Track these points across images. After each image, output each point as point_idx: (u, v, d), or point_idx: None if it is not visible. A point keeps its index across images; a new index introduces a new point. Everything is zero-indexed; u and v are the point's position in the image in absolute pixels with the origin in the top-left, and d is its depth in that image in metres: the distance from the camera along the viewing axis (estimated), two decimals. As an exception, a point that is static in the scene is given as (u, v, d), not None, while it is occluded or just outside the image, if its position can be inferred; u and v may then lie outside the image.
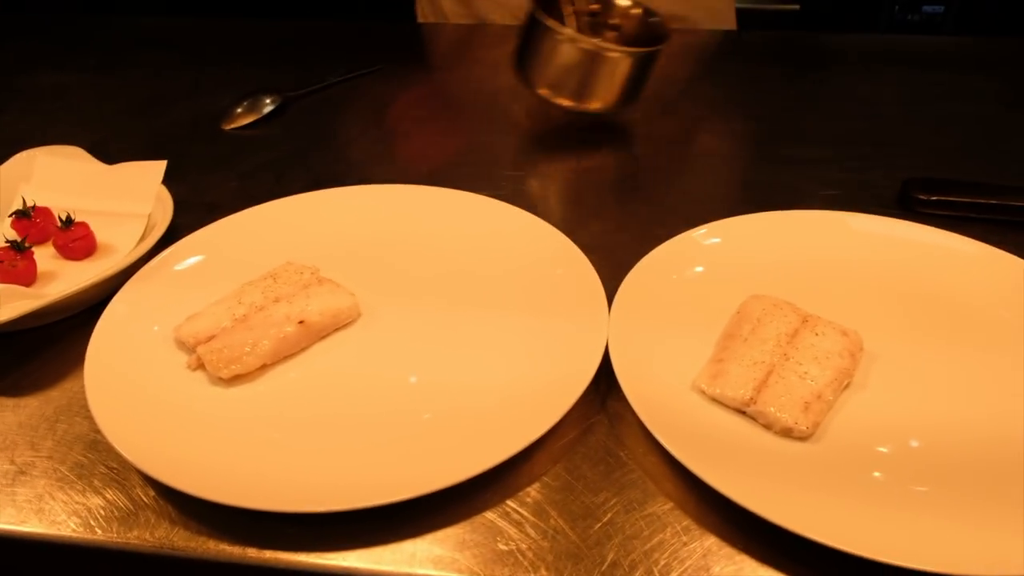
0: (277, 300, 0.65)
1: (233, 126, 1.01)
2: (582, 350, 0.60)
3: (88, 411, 0.56)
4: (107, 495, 0.53)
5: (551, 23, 0.86)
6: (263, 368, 0.61)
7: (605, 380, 0.59)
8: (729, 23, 1.31)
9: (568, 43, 0.87)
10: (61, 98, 1.12)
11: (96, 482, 0.54)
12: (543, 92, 0.92)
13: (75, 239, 0.73)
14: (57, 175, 0.80)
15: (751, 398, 0.57)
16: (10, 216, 0.75)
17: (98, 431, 0.56)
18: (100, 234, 0.75)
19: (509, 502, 0.52)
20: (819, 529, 0.47)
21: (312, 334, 0.63)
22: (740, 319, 0.64)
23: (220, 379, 0.60)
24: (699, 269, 0.71)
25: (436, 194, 0.80)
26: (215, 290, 0.67)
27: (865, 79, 1.11)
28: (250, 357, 0.60)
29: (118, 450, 0.52)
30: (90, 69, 1.22)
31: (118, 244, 0.75)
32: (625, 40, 0.97)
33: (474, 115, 1.05)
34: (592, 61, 0.88)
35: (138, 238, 0.75)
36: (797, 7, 2.21)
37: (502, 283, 0.70)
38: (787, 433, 0.55)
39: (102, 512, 0.52)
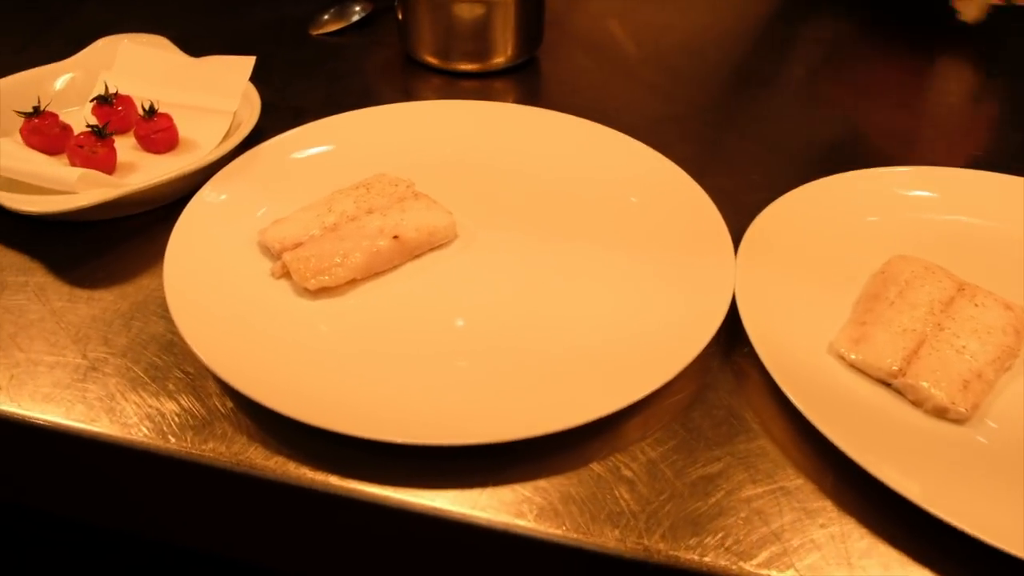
0: (370, 211, 0.59)
1: (320, 32, 0.94)
2: (705, 296, 0.54)
3: (165, 311, 0.52)
4: (182, 401, 0.49)
5: None
6: (352, 283, 0.56)
7: (727, 332, 0.52)
8: None
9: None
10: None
11: (171, 386, 0.50)
12: (432, 61, 0.86)
13: (157, 130, 0.68)
14: (140, 64, 0.76)
15: (900, 369, 0.50)
16: (91, 101, 0.71)
17: (175, 332, 0.52)
18: (183, 128, 0.70)
19: (619, 456, 0.46)
20: (986, 527, 0.40)
21: (406, 251, 0.58)
22: (885, 279, 0.57)
23: (306, 290, 0.55)
24: (834, 220, 0.63)
25: (540, 115, 0.73)
26: (302, 195, 0.62)
27: None
28: (340, 269, 0.55)
29: (197, 354, 0.47)
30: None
31: (201, 140, 0.70)
32: None
33: (580, 45, 0.97)
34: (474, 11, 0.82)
35: (222, 135, 0.70)
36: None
37: (614, 216, 0.63)
38: (941, 413, 0.48)
39: (176, 419, 0.48)
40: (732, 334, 0.53)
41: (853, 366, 0.52)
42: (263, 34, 0.95)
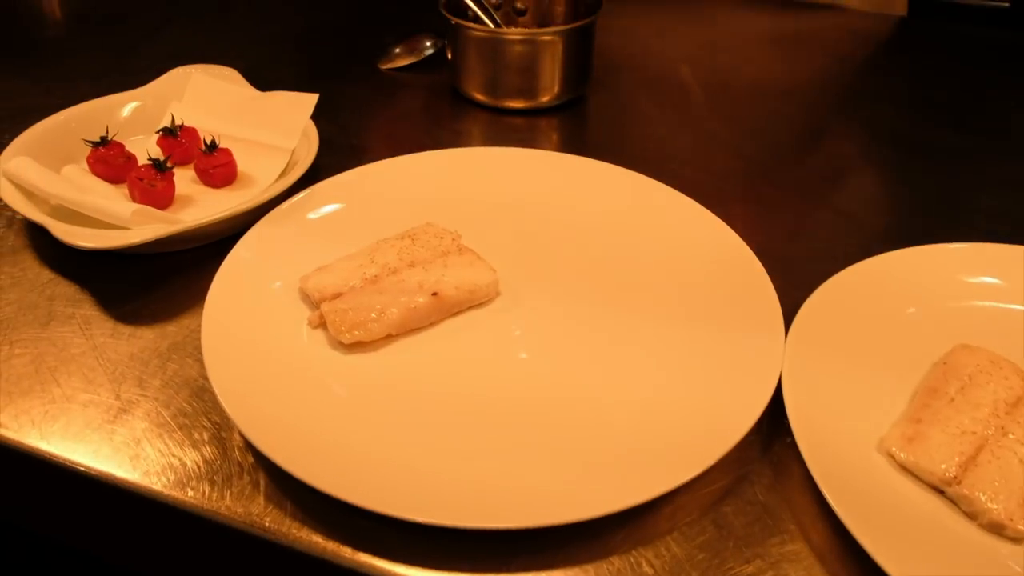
0: (412, 265, 0.59)
1: (389, 66, 0.95)
2: (750, 379, 0.51)
3: (201, 354, 0.52)
4: (205, 452, 0.49)
5: (465, 23, 0.82)
6: (387, 338, 0.55)
7: (770, 416, 0.50)
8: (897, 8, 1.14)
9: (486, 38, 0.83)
10: (224, 17, 1.10)
11: (196, 435, 0.50)
12: (481, 98, 0.86)
13: (216, 165, 0.69)
14: (208, 96, 0.77)
15: (955, 476, 0.46)
16: (157, 132, 0.73)
17: (207, 378, 0.52)
18: (241, 163, 0.71)
19: (642, 550, 0.44)
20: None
21: (445, 308, 0.57)
22: (946, 372, 0.53)
23: (340, 343, 0.54)
24: (894, 300, 0.60)
25: (597, 168, 0.72)
26: (348, 241, 0.62)
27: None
28: (375, 324, 0.54)
29: (224, 408, 0.47)
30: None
31: (258, 176, 0.71)
32: (563, 20, 0.91)
33: (637, 82, 0.95)
34: (522, 50, 0.81)
35: (279, 172, 0.71)
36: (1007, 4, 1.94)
37: (661, 281, 0.61)
38: (998, 530, 0.44)
39: (197, 469, 0.48)
40: (775, 419, 0.50)
41: (904, 467, 0.48)
42: (332, 67, 0.97)
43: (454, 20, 0.82)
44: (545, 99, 0.85)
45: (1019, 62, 1.02)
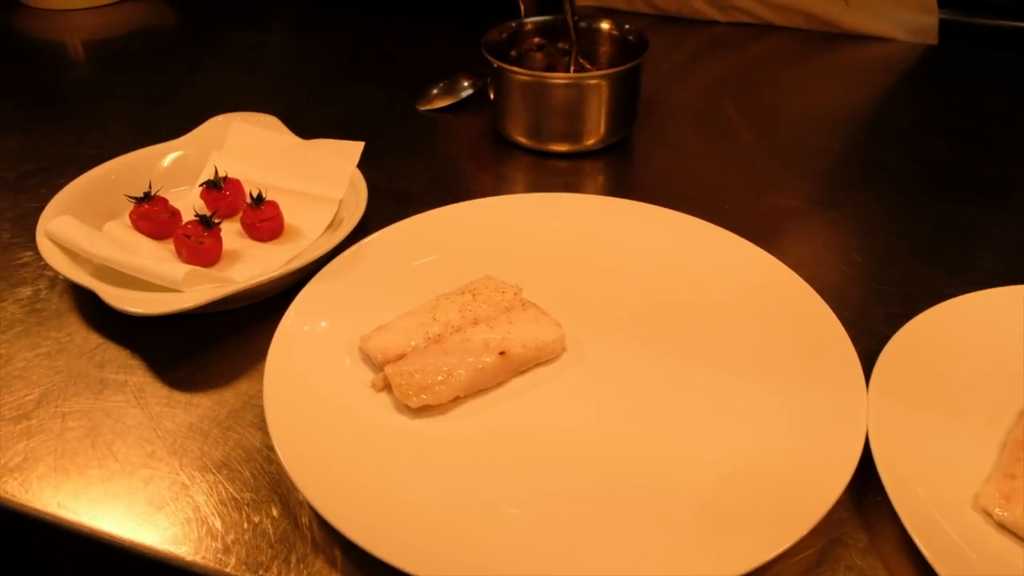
0: (476, 322, 0.57)
1: (429, 107, 0.94)
2: (836, 435, 0.49)
3: (261, 421, 0.51)
4: (276, 529, 0.46)
5: (506, 66, 0.81)
6: (454, 401, 0.53)
7: (856, 471, 0.47)
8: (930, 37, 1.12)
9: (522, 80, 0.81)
10: (257, 59, 1.09)
11: (264, 510, 0.47)
12: (524, 141, 0.84)
13: (264, 219, 0.67)
14: (250, 145, 0.75)
15: (1061, 538, 0.44)
16: (200, 186, 0.71)
17: (270, 447, 0.50)
18: (288, 215, 0.69)
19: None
20: None
21: (512, 368, 0.55)
22: (1036, 425, 0.51)
23: (406, 406, 0.52)
24: (972, 347, 0.57)
25: (651, 212, 0.70)
26: (405, 296, 0.60)
27: None
28: (443, 388, 0.52)
29: (299, 489, 0.45)
30: (284, 30, 1.19)
31: (305, 228, 0.69)
32: (607, 62, 0.89)
33: (689, 123, 0.94)
34: (558, 94, 0.80)
35: (327, 223, 0.69)
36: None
37: (728, 331, 0.59)
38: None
39: (270, 549, 0.45)
40: (859, 474, 0.47)
41: (1002, 525, 0.46)
42: (372, 109, 0.95)
43: (496, 63, 0.81)
44: (590, 142, 0.83)
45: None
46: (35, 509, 0.48)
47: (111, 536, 0.46)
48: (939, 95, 0.99)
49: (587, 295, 0.63)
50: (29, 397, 0.55)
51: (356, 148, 0.72)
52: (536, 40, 0.89)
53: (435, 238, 0.67)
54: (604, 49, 0.89)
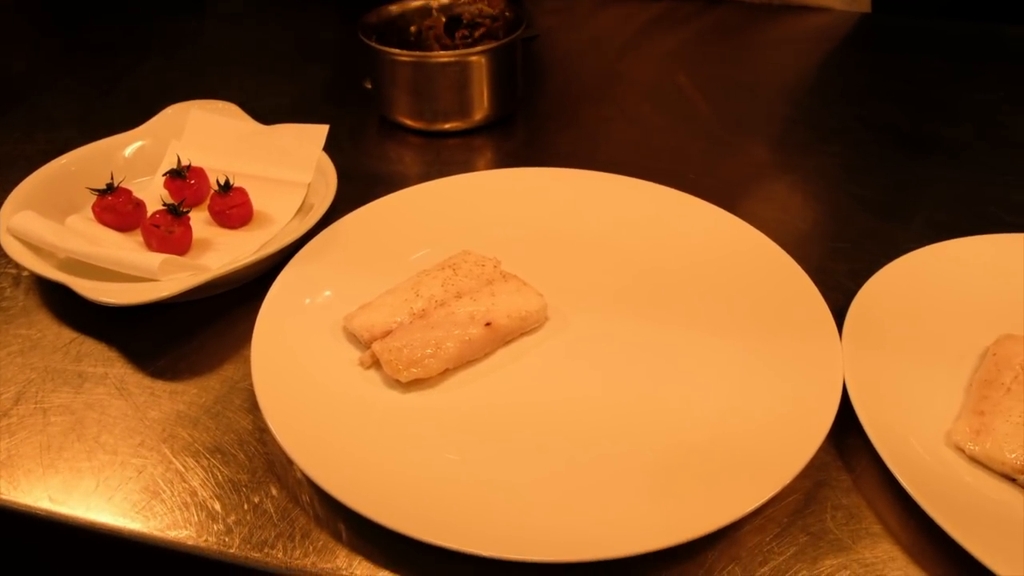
0: (459, 296, 0.57)
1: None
2: (815, 384, 0.51)
3: (250, 404, 0.51)
4: (277, 507, 0.46)
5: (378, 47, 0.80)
6: (444, 373, 0.54)
7: (835, 422, 0.49)
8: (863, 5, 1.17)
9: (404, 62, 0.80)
10: (204, 48, 1.07)
11: (264, 491, 0.47)
12: (411, 123, 0.85)
13: (233, 206, 0.66)
14: (211, 132, 0.74)
15: (1024, 465, 0.47)
16: (164, 175, 0.70)
17: (263, 428, 0.50)
18: (256, 201, 0.69)
19: (736, 567, 0.43)
20: None
21: (498, 338, 0.56)
22: (997, 364, 0.54)
23: (397, 381, 0.52)
24: (933, 295, 0.60)
25: (616, 182, 0.71)
26: (384, 274, 0.60)
27: None
28: (433, 360, 0.53)
29: (297, 464, 0.45)
30: (228, 17, 1.17)
31: (275, 213, 0.69)
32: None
33: (646, 96, 0.95)
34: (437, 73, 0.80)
35: (296, 207, 0.69)
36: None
37: (703, 291, 0.61)
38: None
39: (274, 528, 0.45)
40: (839, 421, 0.49)
41: (974, 459, 0.49)
42: (327, 91, 0.94)
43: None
44: (477, 118, 0.84)
45: (983, 51, 1.05)
46: (25, 506, 0.47)
47: (109, 527, 0.46)
48: (879, 60, 1.03)
49: (564, 265, 0.64)
50: (5, 395, 0.54)
51: (321, 131, 0.71)
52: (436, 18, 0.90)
53: (408, 218, 0.67)
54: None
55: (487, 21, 0.87)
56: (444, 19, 0.88)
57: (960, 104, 0.91)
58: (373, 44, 0.80)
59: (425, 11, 0.89)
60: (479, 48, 0.80)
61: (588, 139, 0.85)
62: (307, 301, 0.58)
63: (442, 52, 0.81)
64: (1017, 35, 1.09)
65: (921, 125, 0.87)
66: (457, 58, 0.79)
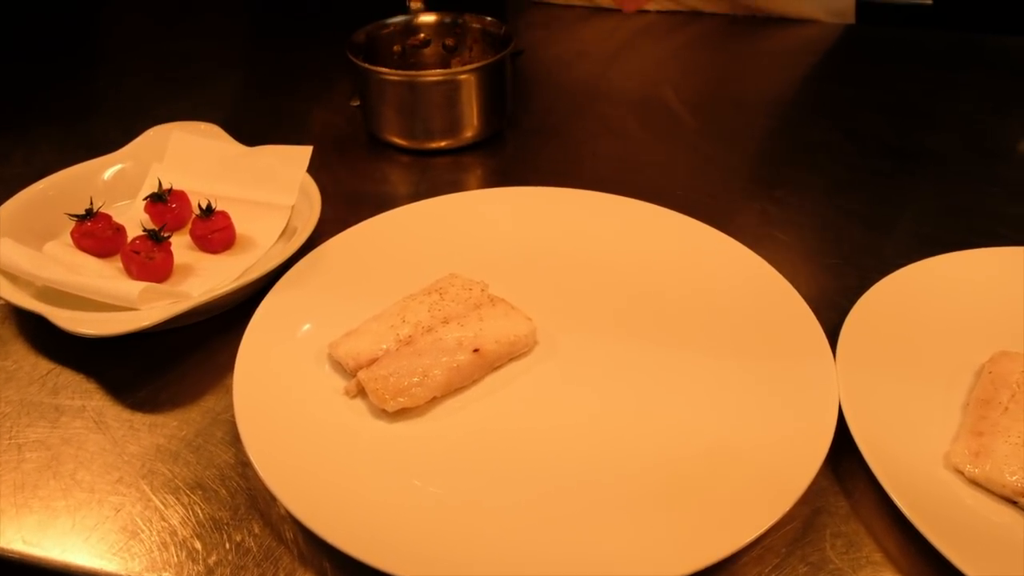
0: (446, 321, 0.56)
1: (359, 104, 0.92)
2: (811, 408, 0.50)
3: (232, 437, 0.50)
4: (261, 545, 0.45)
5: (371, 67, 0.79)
6: (431, 401, 0.52)
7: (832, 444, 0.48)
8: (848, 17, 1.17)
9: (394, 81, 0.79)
10: (184, 68, 1.06)
11: (247, 528, 0.46)
12: (400, 142, 0.84)
13: (215, 230, 0.65)
14: (193, 155, 0.73)
15: (1026, 486, 0.46)
16: (144, 199, 0.68)
17: (245, 463, 0.49)
18: (239, 224, 0.67)
19: (741, 605, 0.42)
20: None
21: (487, 364, 0.54)
22: (994, 382, 0.53)
23: (383, 411, 0.51)
24: (927, 312, 0.60)
25: (602, 200, 0.70)
26: (369, 299, 0.59)
27: None
28: (420, 389, 0.51)
29: (282, 502, 0.44)
30: (214, 37, 1.16)
31: (258, 237, 0.67)
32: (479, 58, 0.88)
33: (630, 111, 0.94)
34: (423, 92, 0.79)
35: (280, 231, 0.67)
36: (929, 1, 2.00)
37: (692, 312, 0.60)
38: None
39: (258, 568, 0.44)
40: (834, 444, 0.48)
41: (974, 481, 0.48)
42: (310, 109, 0.93)
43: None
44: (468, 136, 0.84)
45: (967, 61, 1.05)
46: (-3, 548, 0.45)
47: (85, 570, 0.44)
48: (864, 72, 1.03)
49: (552, 286, 0.63)
50: (-21, 430, 0.52)
51: (304, 153, 0.70)
52: (421, 36, 0.89)
53: (393, 240, 0.66)
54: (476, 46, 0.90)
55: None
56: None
57: (946, 114, 0.91)
58: (361, 63, 0.79)
59: (410, 28, 0.88)
60: (468, 67, 0.79)
61: (575, 155, 0.84)
62: (291, 328, 0.57)
63: (432, 71, 0.80)
64: (999, 45, 1.09)
65: (906, 136, 0.87)
66: (447, 77, 0.79)
